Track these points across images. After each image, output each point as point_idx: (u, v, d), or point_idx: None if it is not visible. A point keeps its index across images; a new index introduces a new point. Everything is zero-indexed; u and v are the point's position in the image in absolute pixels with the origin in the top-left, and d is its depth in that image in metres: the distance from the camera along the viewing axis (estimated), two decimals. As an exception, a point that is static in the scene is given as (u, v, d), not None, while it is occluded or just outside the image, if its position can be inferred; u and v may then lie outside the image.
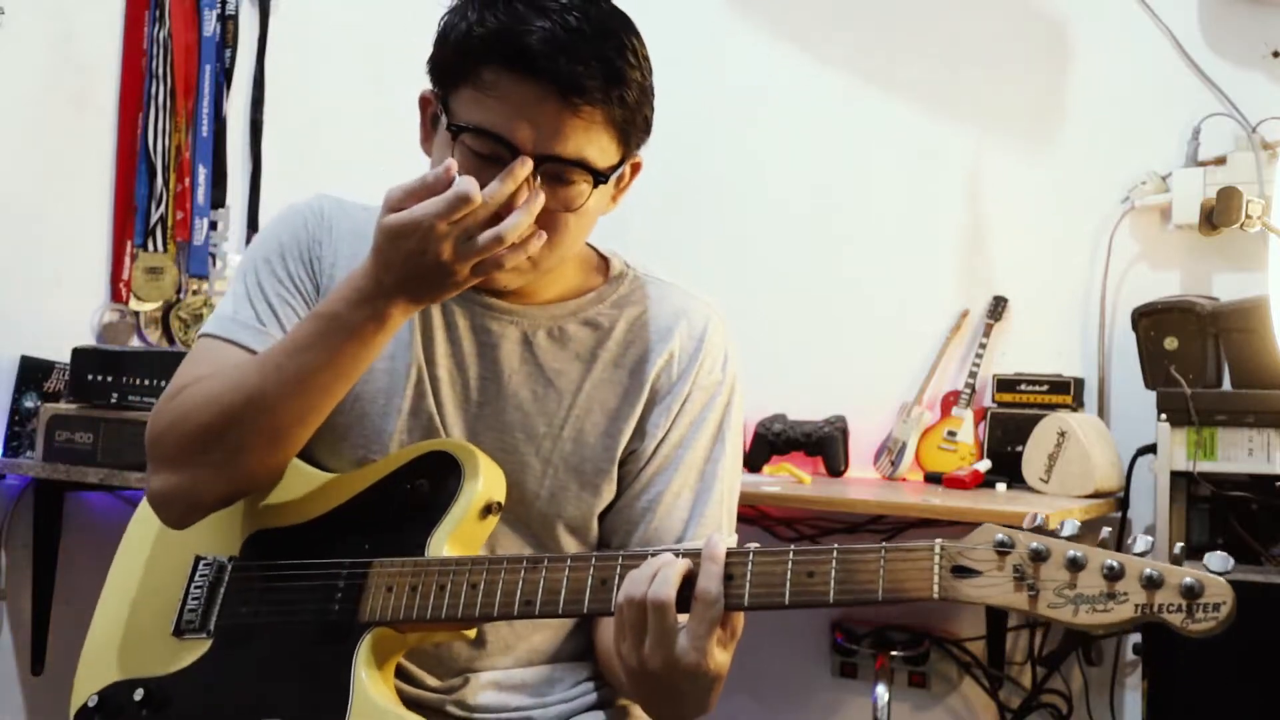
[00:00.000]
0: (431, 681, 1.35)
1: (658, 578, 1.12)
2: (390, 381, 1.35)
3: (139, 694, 1.33)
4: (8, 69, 2.91)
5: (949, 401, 2.93)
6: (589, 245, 1.42)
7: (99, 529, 2.90)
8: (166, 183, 3.14)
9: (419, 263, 1.17)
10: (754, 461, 3.00)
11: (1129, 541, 1.03)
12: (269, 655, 1.29)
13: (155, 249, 3.13)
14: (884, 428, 3.00)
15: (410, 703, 1.28)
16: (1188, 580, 0.96)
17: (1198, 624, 0.96)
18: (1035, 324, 2.93)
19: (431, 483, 1.30)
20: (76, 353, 2.72)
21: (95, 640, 1.41)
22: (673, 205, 3.22)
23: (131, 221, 3.12)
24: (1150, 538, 1.01)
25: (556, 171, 1.23)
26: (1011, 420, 2.78)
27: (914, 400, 2.96)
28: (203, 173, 3.20)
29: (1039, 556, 1.01)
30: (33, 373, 2.89)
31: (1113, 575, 0.99)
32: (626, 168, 1.32)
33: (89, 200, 3.09)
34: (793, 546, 1.11)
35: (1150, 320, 2.55)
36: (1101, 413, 2.81)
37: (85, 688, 1.38)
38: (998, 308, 2.93)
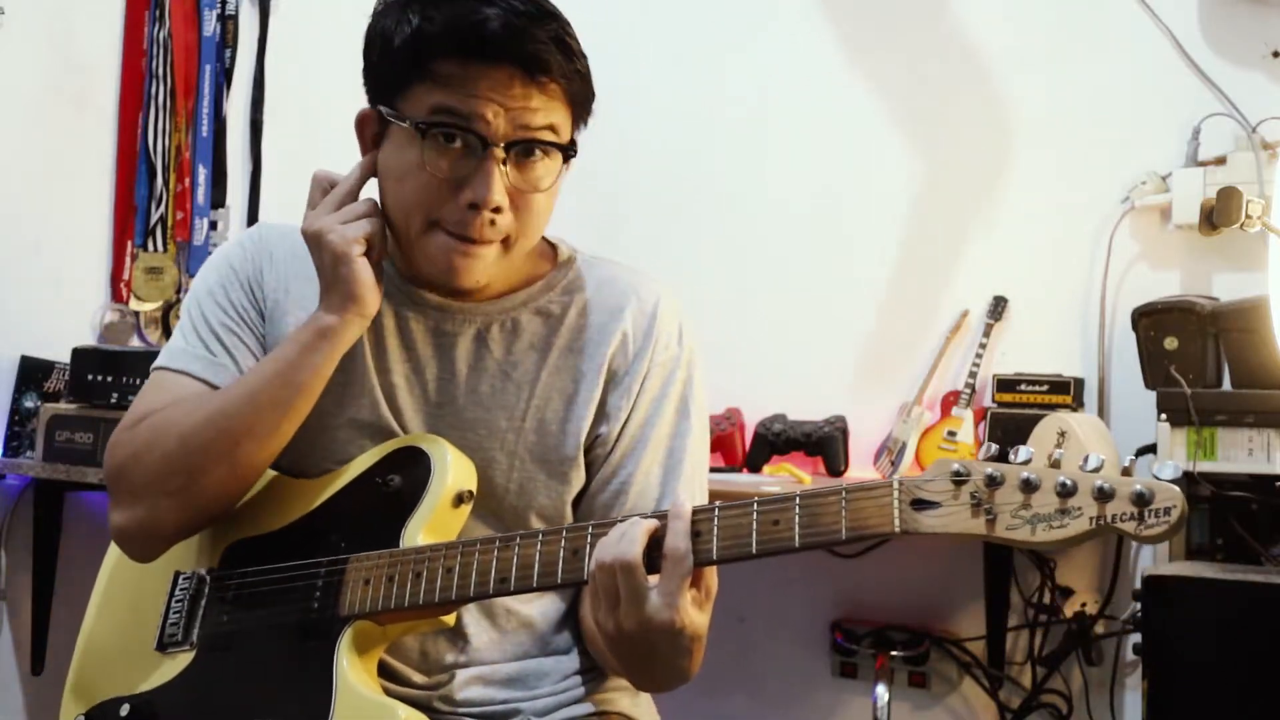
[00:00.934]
0: (417, 679, 1.35)
1: (624, 538, 1.14)
2: (343, 394, 1.36)
3: (124, 710, 1.33)
4: (8, 69, 2.91)
5: (949, 401, 2.93)
6: None
7: (99, 529, 2.88)
8: (166, 183, 3.14)
9: (316, 253, 1.29)
10: (754, 461, 3.00)
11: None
12: (252, 659, 1.30)
13: (155, 249, 3.14)
14: (884, 428, 3.00)
15: (396, 699, 1.28)
16: (1138, 488, 0.99)
17: (1150, 529, 0.98)
18: (1035, 324, 2.92)
19: (403, 477, 1.30)
20: (76, 353, 2.73)
21: (79, 662, 1.42)
22: (673, 206, 3.22)
23: (131, 221, 3.12)
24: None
25: (527, 149, 1.26)
26: (1011, 420, 2.77)
27: (914, 400, 2.95)
28: (203, 173, 3.20)
29: (993, 482, 1.03)
30: (33, 373, 2.89)
31: (1066, 492, 1.00)
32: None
33: (89, 200, 3.09)
34: (756, 497, 1.12)
35: (1150, 320, 2.55)
36: (1101, 413, 2.81)
37: (71, 710, 1.39)
38: (998, 308, 2.92)
